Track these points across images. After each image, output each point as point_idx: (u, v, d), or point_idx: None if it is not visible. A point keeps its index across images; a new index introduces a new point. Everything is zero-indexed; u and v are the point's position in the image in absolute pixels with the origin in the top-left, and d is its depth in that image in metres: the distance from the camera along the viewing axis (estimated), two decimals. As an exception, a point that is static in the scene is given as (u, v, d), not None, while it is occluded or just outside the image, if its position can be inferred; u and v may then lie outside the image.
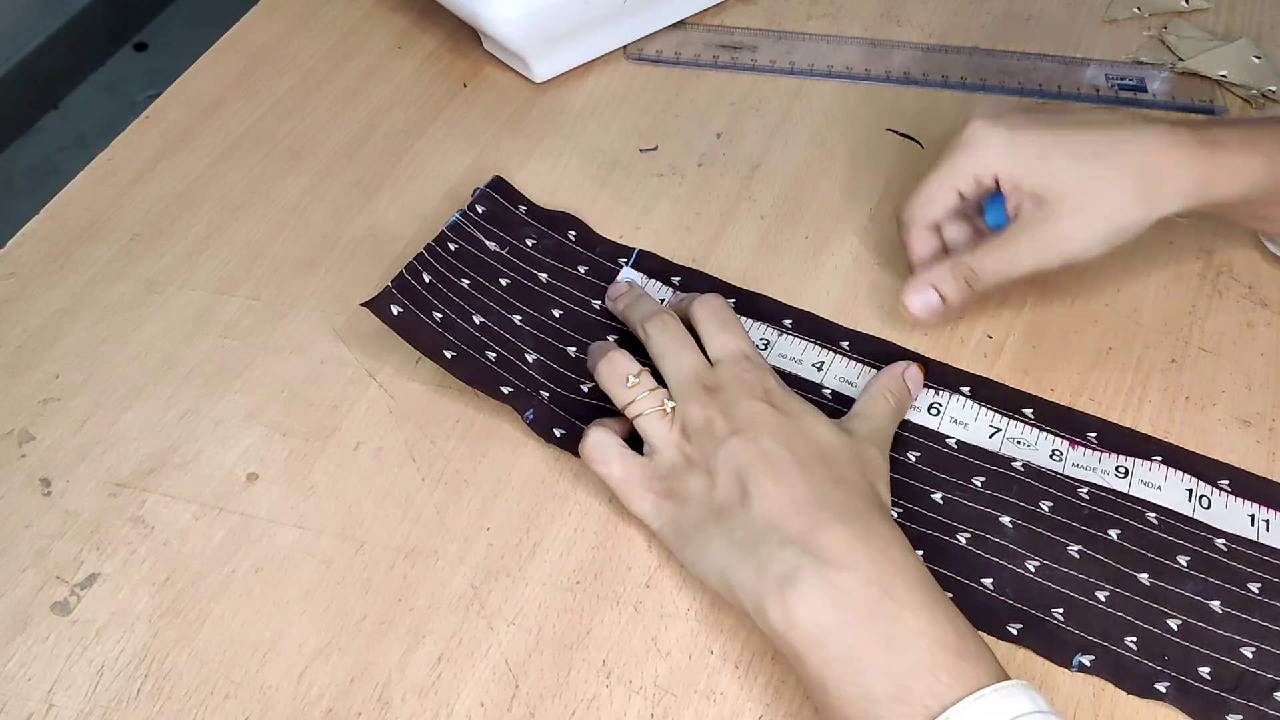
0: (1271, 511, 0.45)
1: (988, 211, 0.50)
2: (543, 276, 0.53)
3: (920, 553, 0.40)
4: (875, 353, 0.51)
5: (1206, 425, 0.48)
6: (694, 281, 0.54)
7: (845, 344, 0.51)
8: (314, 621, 0.42)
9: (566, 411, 0.48)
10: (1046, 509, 0.45)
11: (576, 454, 0.45)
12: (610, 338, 0.51)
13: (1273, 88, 0.62)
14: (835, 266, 0.55)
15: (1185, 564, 0.44)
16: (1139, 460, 0.46)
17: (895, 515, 0.45)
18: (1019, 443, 0.47)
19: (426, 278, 0.50)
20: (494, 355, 0.49)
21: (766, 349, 0.51)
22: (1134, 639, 0.42)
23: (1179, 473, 0.46)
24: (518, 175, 0.58)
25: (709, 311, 0.48)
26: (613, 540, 0.45)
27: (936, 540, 0.44)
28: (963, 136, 0.49)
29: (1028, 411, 0.48)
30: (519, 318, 0.51)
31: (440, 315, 0.49)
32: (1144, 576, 0.43)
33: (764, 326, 0.52)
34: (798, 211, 0.57)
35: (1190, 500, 0.45)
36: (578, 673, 0.41)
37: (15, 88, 1.73)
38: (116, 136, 0.60)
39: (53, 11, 1.78)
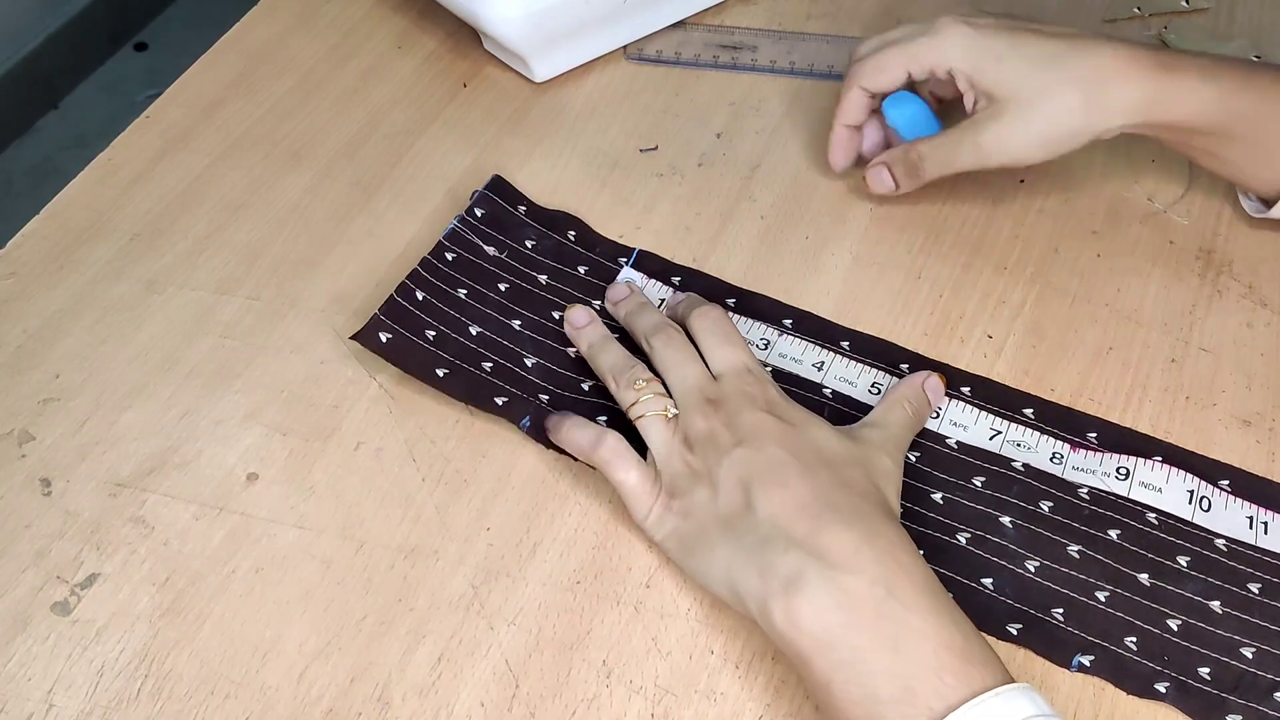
0: (1270, 513, 0.45)
1: (885, 106, 0.55)
2: (542, 278, 0.53)
3: (920, 553, 0.40)
4: (876, 353, 0.51)
5: (1206, 425, 0.48)
6: (694, 281, 0.53)
7: (845, 344, 0.51)
8: (314, 621, 0.42)
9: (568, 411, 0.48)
10: (1046, 509, 0.45)
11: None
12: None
13: (1273, 88, 0.62)
14: (835, 266, 0.55)
15: (1185, 564, 0.44)
16: (1140, 460, 0.46)
17: (896, 516, 0.45)
18: (1019, 445, 0.47)
19: (420, 295, 0.50)
20: (490, 365, 0.49)
21: (766, 349, 0.51)
22: (1134, 639, 0.42)
23: (1180, 473, 0.46)
24: (518, 175, 0.58)
25: (709, 324, 0.48)
26: (613, 540, 0.45)
27: (936, 540, 0.44)
28: (931, 26, 0.52)
29: (1028, 412, 0.48)
30: (518, 322, 0.51)
31: (434, 333, 0.49)
32: (1144, 577, 0.43)
33: (764, 326, 0.52)
34: (798, 211, 0.57)
35: (1190, 503, 0.45)
36: (578, 673, 0.41)
37: (15, 88, 1.73)
38: (116, 136, 0.60)
39: (53, 11, 1.78)
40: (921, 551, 0.43)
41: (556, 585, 0.43)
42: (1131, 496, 0.45)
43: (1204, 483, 0.46)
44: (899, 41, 0.53)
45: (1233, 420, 0.49)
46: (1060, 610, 0.43)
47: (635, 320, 0.50)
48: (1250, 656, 0.41)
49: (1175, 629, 0.42)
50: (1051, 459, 0.47)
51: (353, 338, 0.48)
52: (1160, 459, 0.46)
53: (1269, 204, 0.53)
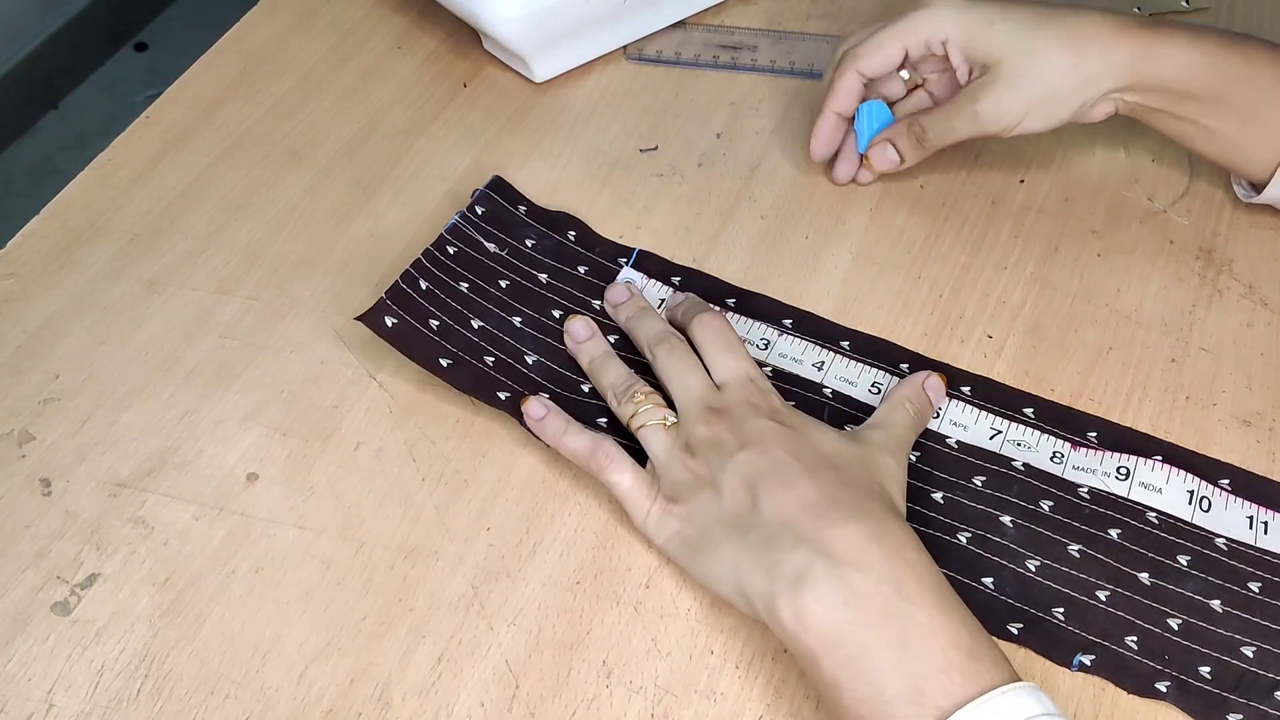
0: (1270, 513, 0.45)
1: (856, 120, 0.56)
2: (542, 277, 0.53)
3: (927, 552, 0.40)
4: (876, 353, 0.51)
5: (1206, 425, 0.48)
6: (693, 282, 0.53)
7: (845, 344, 0.51)
8: (314, 622, 0.42)
9: (567, 412, 0.48)
10: (1047, 508, 0.45)
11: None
12: (610, 338, 0.51)
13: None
14: (835, 266, 0.55)
15: (1185, 563, 0.44)
16: (1140, 460, 0.46)
17: (896, 515, 0.45)
18: (1020, 445, 0.47)
19: (423, 284, 0.50)
20: (492, 359, 0.49)
21: (766, 349, 0.51)
22: (1134, 638, 0.42)
23: (1180, 473, 0.46)
24: (518, 175, 0.58)
25: (711, 332, 0.48)
26: (613, 541, 0.45)
27: (937, 540, 0.44)
28: (920, 2, 0.53)
29: (1028, 411, 0.48)
30: (519, 319, 0.51)
31: (437, 323, 0.49)
32: (1144, 576, 0.43)
33: (764, 327, 0.52)
34: (798, 211, 0.57)
35: (1190, 503, 0.45)
36: (578, 673, 0.41)
37: (15, 88, 1.73)
38: (116, 136, 0.60)
39: (53, 11, 1.78)
40: (923, 551, 0.43)
41: (556, 585, 0.43)
42: (1131, 497, 0.45)
43: (1204, 483, 0.46)
44: (891, 21, 0.54)
45: (1233, 420, 0.49)
46: (1061, 609, 0.43)
47: (637, 327, 0.50)
48: (1251, 655, 0.41)
49: (1176, 628, 0.42)
50: (1052, 458, 0.47)
51: (358, 318, 0.48)
52: (1160, 459, 0.46)
53: (1260, 189, 0.53)
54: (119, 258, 0.55)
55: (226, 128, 0.61)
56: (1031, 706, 0.35)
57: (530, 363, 0.49)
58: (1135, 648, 0.42)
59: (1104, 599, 0.43)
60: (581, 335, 0.50)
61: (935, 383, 0.48)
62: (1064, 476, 0.46)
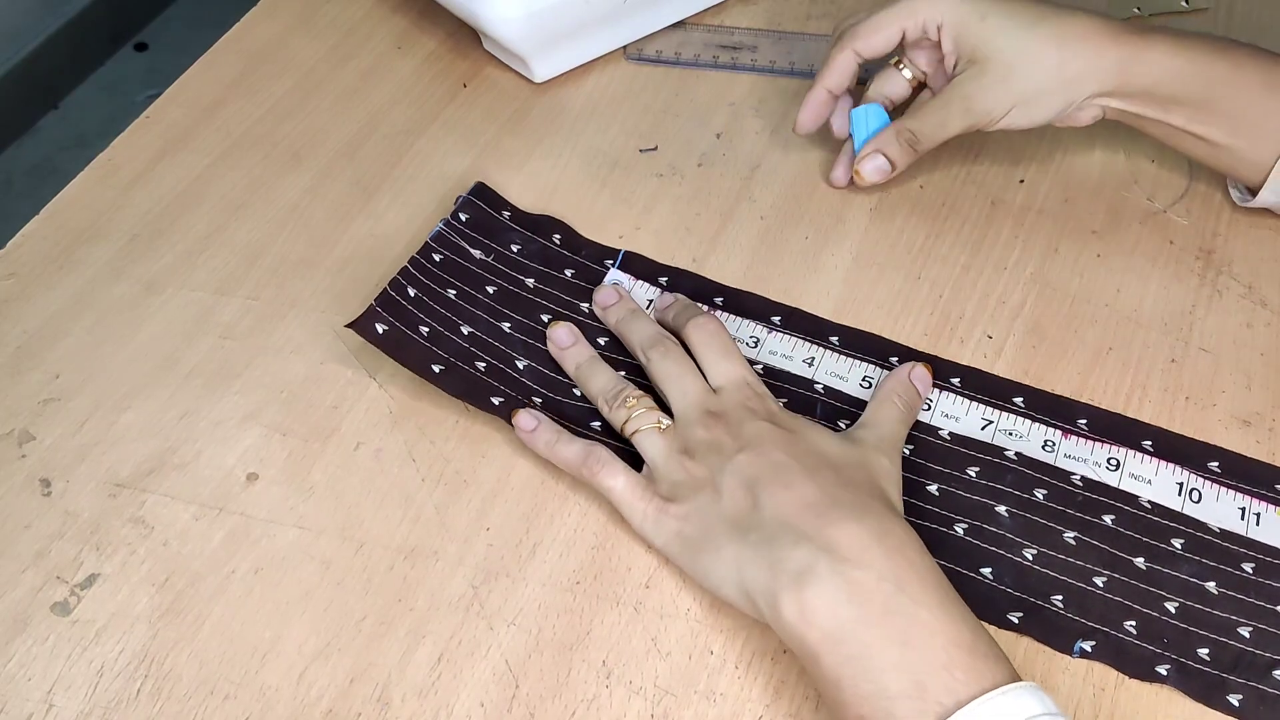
0: (1261, 504, 0.45)
1: (853, 125, 0.56)
2: (529, 282, 0.53)
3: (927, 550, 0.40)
4: (866, 347, 0.51)
5: (1206, 425, 0.48)
6: (680, 282, 0.54)
7: (835, 339, 0.51)
8: (314, 622, 0.42)
9: (561, 416, 0.48)
10: (1041, 497, 0.45)
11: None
12: (600, 340, 0.51)
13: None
14: (835, 267, 0.55)
15: (1179, 546, 0.44)
16: (1130, 452, 0.47)
17: (895, 514, 0.45)
18: (1011, 434, 0.48)
19: (412, 292, 0.50)
20: (483, 365, 0.49)
21: (756, 347, 0.51)
22: (1133, 623, 0.42)
23: (1169, 466, 0.46)
24: (518, 175, 0.58)
25: (707, 336, 0.48)
26: (613, 541, 0.45)
27: (934, 532, 0.45)
28: None
29: (1018, 401, 0.49)
30: (508, 325, 0.51)
31: (427, 329, 0.49)
32: (1140, 561, 0.44)
33: (753, 324, 0.52)
34: (798, 211, 0.57)
35: (1180, 494, 0.46)
36: (578, 673, 0.41)
37: (15, 88, 1.72)
38: (116, 136, 0.60)
39: (53, 12, 1.78)
40: (922, 546, 0.43)
41: (556, 586, 0.43)
42: (1121, 487, 0.46)
43: (1193, 474, 0.46)
44: (891, 3, 0.54)
45: (1233, 420, 0.49)
46: (1060, 597, 0.43)
47: (628, 330, 0.50)
48: (1248, 636, 0.42)
49: (1173, 611, 0.42)
50: (1044, 446, 0.47)
51: (348, 326, 0.48)
52: (1150, 450, 0.47)
53: (1255, 193, 0.53)
54: (119, 258, 0.55)
55: (226, 128, 0.61)
56: (1033, 706, 0.35)
57: (521, 367, 0.49)
58: (1134, 632, 0.42)
59: (1101, 585, 0.43)
60: (565, 341, 0.50)
61: (921, 373, 0.48)
62: (1056, 464, 0.46)
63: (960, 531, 0.45)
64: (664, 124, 0.62)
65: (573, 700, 0.41)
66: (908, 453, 0.47)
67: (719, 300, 0.53)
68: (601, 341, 0.51)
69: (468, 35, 0.66)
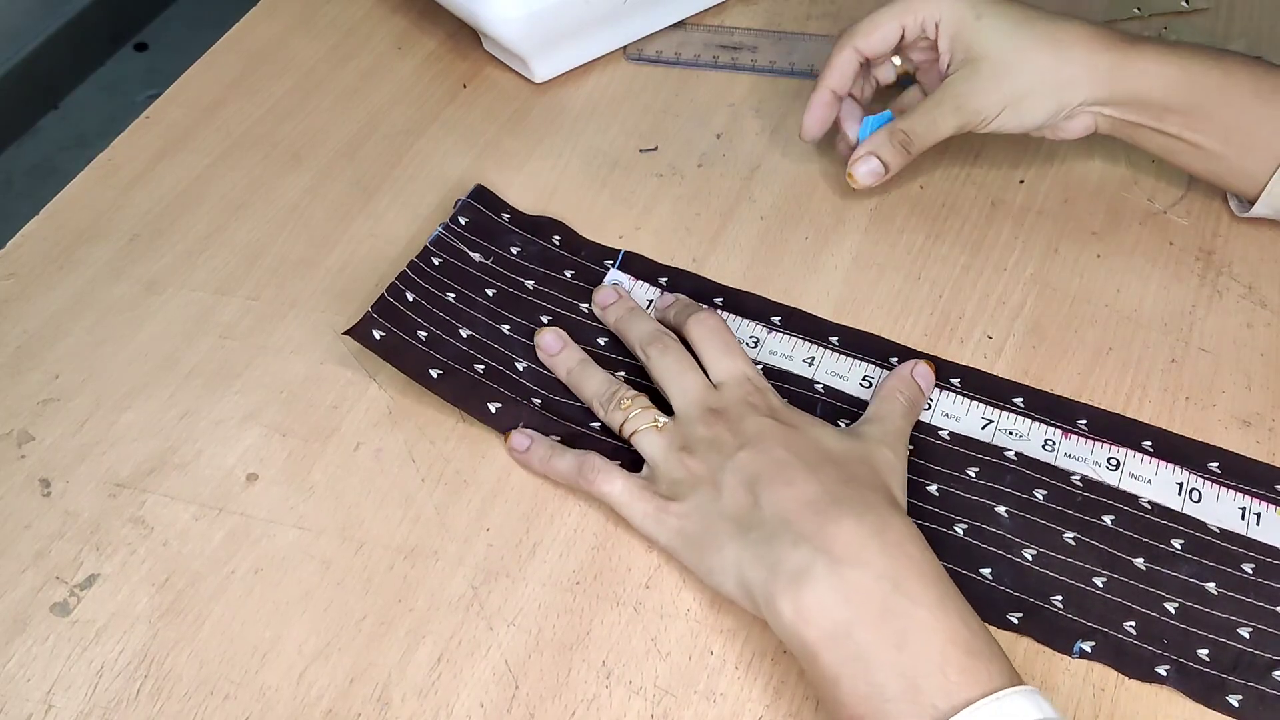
0: (1261, 504, 0.45)
1: (863, 133, 0.55)
2: (529, 284, 0.53)
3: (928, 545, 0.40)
4: (865, 348, 0.51)
5: (1206, 425, 0.48)
6: (680, 282, 0.54)
7: (835, 339, 0.51)
8: (314, 622, 0.42)
9: (560, 417, 0.48)
10: (1041, 497, 0.45)
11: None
12: (600, 340, 0.51)
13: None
14: (835, 267, 0.55)
15: (1179, 547, 0.44)
16: (1130, 452, 0.47)
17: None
18: (1011, 433, 0.48)
19: (410, 296, 0.50)
20: (482, 367, 0.49)
21: (756, 347, 0.51)
22: (1133, 624, 0.42)
23: (1169, 466, 0.46)
24: (517, 176, 0.58)
25: (707, 332, 0.48)
26: (613, 541, 0.45)
27: (934, 532, 0.45)
28: None
29: (1018, 401, 0.49)
30: (507, 327, 0.51)
31: (425, 334, 0.49)
32: (1139, 561, 0.44)
33: (753, 324, 0.52)
34: (798, 212, 0.57)
35: (1180, 494, 0.46)
36: (578, 673, 0.41)
37: (15, 88, 1.72)
38: (116, 136, 0.60)
39: (53, 12, 1.78)
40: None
41: (556, 586, 0.43)
42: (1121, 488, 0.46)
43: (1193, 474, 0.46)
44: (890, 2, 0.54)
45: (1233, 420, 0.49)
46: (1059, 597, 0.43)
47: (627, 328, 0.50)
48: (1247, 636, 0.42)
49: (1173, 612, 0.42)
50: (1044, 446, 0.47)
51: (345, 333, 0.48)
52: (1150, 449, 0.47)
53: (1251, 203, 0.53)
54: (119, 258, 0.55)
55: (226, 128, 0.61)
56: (1029, 711, 0.35)
57: (520, 369, 0.49)
58: (1134, 633, 0.42)
59: (1101, 585, 0.43)
60: (553, 348, 0.49)
61: (923, 370, 0.48)
62: (1056, 464, 0.46)
63: (960, 532, 0.45)
64: (664, 124, 0.62)
65: (573, 700, 0.41)
66: (908, 452, 0.47)
67: (719, 300, 0.53)
68: (601, 341, 0.51)
69: (468, 35, 0.66)
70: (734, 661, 0.42)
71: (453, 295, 0.51)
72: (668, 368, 0.47)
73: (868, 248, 0.55)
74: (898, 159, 0.53)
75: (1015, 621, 0.42)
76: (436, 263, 0.52)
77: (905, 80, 0.58)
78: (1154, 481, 0.46)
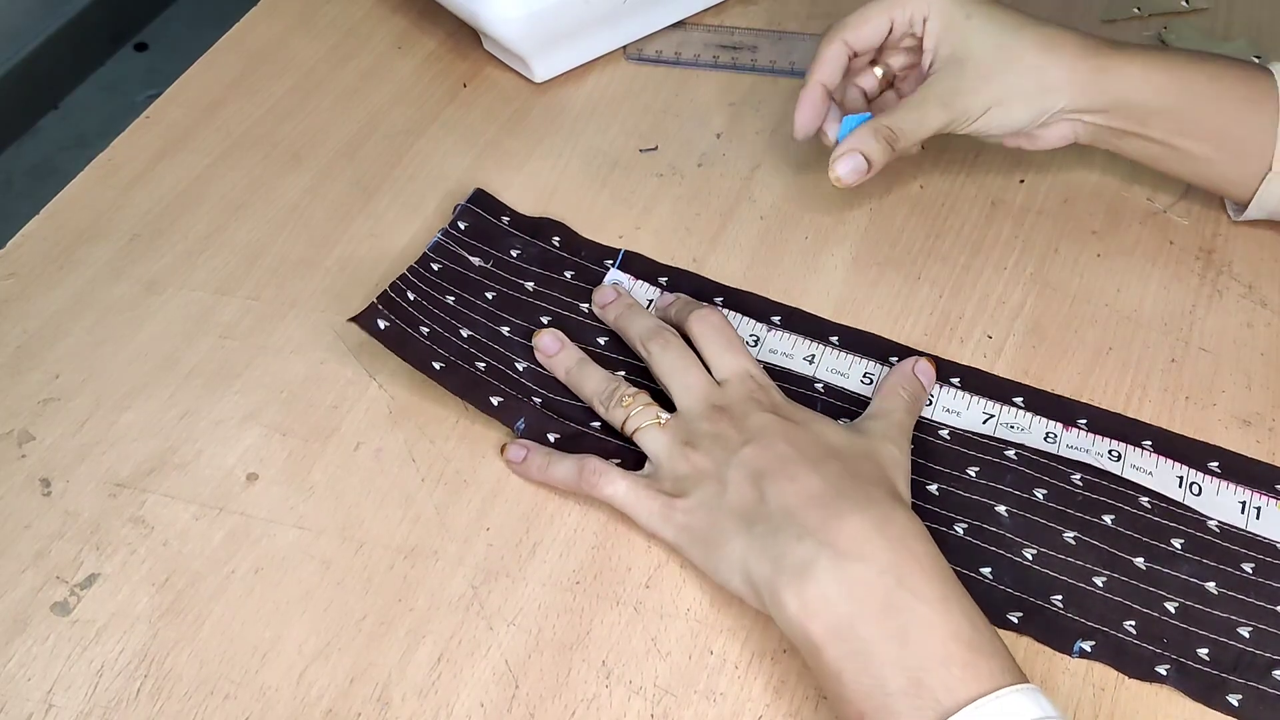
0: (1262, 498, 0.45)
1: (843, 132, 0.53)
2: (529, 285, 0.53)
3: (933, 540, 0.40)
4: (866, 348, 0.51)
5: (1206, 425, 0.48)
6: (680, 281, 0.54)
7: (835, 339, 0.51)
8: (314, 622, 0.42)
9: (561, 416, 0.48)
10: (1041, 496, 0.45)
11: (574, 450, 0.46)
12: (601, 339, 0.51)
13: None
14: (835, 267, 0.55)
15: (1179, 546, 0.44)
16: (1130, 446, 0.47)
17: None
18: (1012, 427, 0.48)
19: (411, 296, 0.50)
20: (483, 365, 0.49)
21: (756, 345, 0.51)
22: (1133, 623, 0.42)
23: (1169, 461, 0.47)
24: (517, 176, 0.58)
25: (710, 329, 0.48)
26: (613, 540, 0.45)
27: (934, 532, 0.44)
28: None
29: (1018, 401, 0.49)
30: (507, 329, 0.51)
31: (427, 330, 0.49)
32: (1140, 560, 0.44)
33: (753, 323, 0.52)
34: (797, 212, 0.57)
35: (1181, 487, 0.46)
36: (578, 673, 0.41)
37: (15, 88, 1.72)
38: (116, 136, 0.60)
39: (53, 12, 1.78)
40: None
41: (556, 585, 0.43)
42: (1125, 476, 0.46)
43: (1193, 470, 0.46)
44: None
45: (1233, 420, 0.49)
46: (1059, 597, 0.43)
47: (627, 324, 0.50)
48: (1247, 636, 0.42)
49: (1173, 611, 0.43)
50: (1046, 438, 0.47)
51: (351, 320, 0.48)
52: (1150, 445, 0.47)
53: (1243, 205, 0.53)
54: (119, 258, 0.55)
55: (226, 128, 0.61)
56: (1030, 710, 0.35)
57: (521, 369, 0.49)
58: (1134, 632, 0.42)
59: (1101, 585, 0.43)
60: (551, 349, 0.49)
61: (925, 366, 0.48)
62: (1059, 453, 0.47)
63: (960, 531, 0.45)
64: (664, 124, 0.62)
65: (573, 700, 0.41)
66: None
67: (719, 300, 0.53)
68: (602, 341, 0.51)
69: (468, 35, 0.66)
70: (734, 661, 0.42)
71: (453, 298, 0.51)
72: (670, 364, 0.47)
73: (868, 248, 0.55)
74: (882, 155, 0.51)
75: (1015, 621, 0.42)
76: (436, 268, 0.52)
77: None
78: (1154, 473, 0.46)
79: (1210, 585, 0.43)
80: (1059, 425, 0.48)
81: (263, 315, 0.52)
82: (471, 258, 0.53)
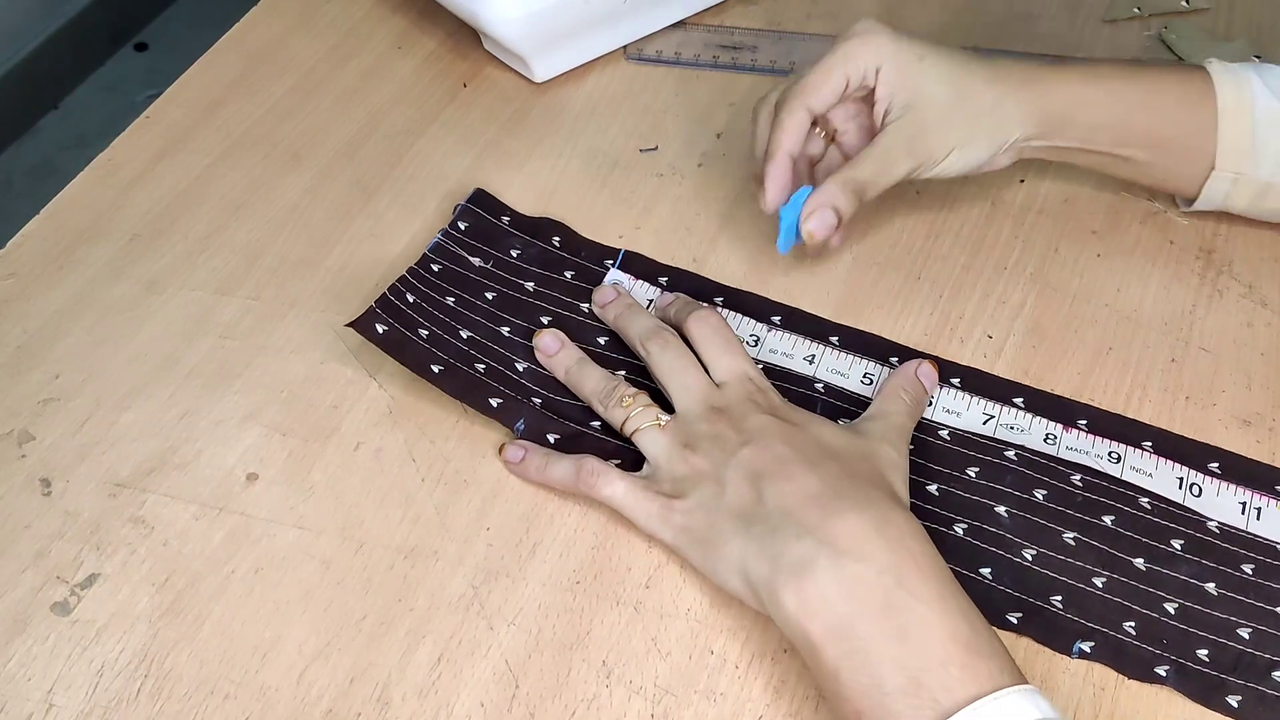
0: (1262, 498, 0.45)
1: (787, 213, 0.51)
2: (529, 285, 0.53)
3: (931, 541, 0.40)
4: (866, 348, 0.51)
5: (1206, 425, 0.48)
6: (680, 281, 0.54)
7: (835, 339, 0.51)
8: (314, 622, 0.42)
9: (561, 416, 0.48)
10: (1041, 497, 0.45)
11: (575, 450, 0.46)
12: (601, 339, 0.51)
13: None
14: (835, 267, 0.55)
15: (1179, 547, 0.44)
16: (1130, 448, 0.47)
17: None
18: (1012, 428, 0.48)
19: (410, 298, 0.50)
20: (483, 366, 0.49)
21: (756, 345, 0.51)
22: (1132, 624, 0.42)
23: (1169, 462, 0.47)
24: (517, 176, 0.58)
25: (709, 330, 0.48)
26: (613, 540, 0.45)
27: (934, 532, 0.44)
28: (854, 29, 0.51)
29: (1018, 401, 0.49)
30: (507, 329, 0.51)
31: (426, 332, 0.49)
32: (1139, 561, 0.44)
33: (753, 323, 0.52)
34: (798, 211, 0.57)
35: (1181, 488, 0.46)
36: (578, 673, 0.41)
37: (15, 88, 1.73)
38: (116, 136, 0.60)
39: (53, 12, 1.78)
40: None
41: (556, 585, 0.43)
42: (1124, 478, 0.46)
43: (1193, 471, 0.46)
44: (825, 56, 0.51)
45: (1233, 420, 0.49)
46: (1059, 598, 0.43)
47: (627, 324, 0.50)
48: (1247, 637, 0.42)
49: (1172, 612, 0.42)
50: (1045, 439, 0.47)
51: (349, 325, 0.48)
52: (1150, 447, 0.47)
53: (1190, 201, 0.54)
54: (119, 258, 0.55)
55: (226, 128, 0.61)
56: (1029, 711, 0.35)
57: (520, 370, 0.49)
58: (1134, 633, 0.42)
59: (1101, 585, 0.43)
60: (551, 348, 0.49)
61: (927, 369, 0.48)
62: (1058, 455, 0.47)
63: (960, 532, 0.45)
64: (664, 124, 0.62)
65: (573, 700, 0.41)
66: (909, 450, 0.47)
67: (719, 300, 0.53)
68: (602, 341, 0.51)
69: (468, 35, 0.66)
70: (734, 661, 0.42)
71: (452, 299, 0.51)
72: (669, 364, 0.47)
73: (868, 248, 0.55)
74: (851, 206, 0.50)
75: (1015, 621, 0.42)
76: (436, 269, 0.52)
77: None
78: (1154, 474, 0.46)
79: (1210, 586, 0.43)
80: (1059, 426, 0.48)
81: (263, 315, 0.52)
82: (471, 258, 0.53)
